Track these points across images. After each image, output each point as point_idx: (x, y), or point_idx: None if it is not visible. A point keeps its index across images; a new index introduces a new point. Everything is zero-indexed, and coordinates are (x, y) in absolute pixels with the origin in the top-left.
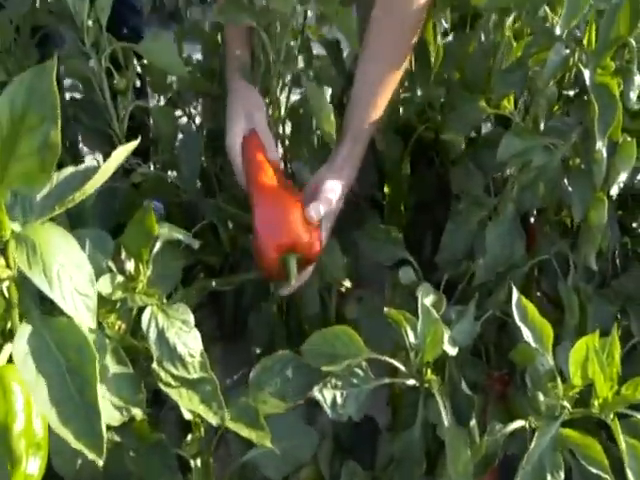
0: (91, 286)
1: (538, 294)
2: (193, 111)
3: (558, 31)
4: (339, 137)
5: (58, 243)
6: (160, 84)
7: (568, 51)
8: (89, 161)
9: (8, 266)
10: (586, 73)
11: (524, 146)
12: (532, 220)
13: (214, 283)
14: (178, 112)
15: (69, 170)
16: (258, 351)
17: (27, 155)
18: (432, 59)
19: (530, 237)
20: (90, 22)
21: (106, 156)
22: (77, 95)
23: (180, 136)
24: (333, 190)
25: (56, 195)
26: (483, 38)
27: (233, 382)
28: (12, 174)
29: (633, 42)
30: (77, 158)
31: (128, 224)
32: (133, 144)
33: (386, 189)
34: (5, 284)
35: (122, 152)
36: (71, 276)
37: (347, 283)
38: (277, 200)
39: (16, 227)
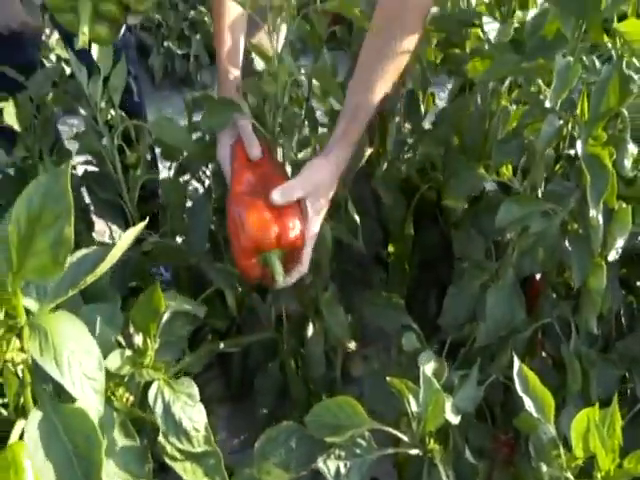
0: (99, 370)
1: (543, 354)
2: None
3: (548, 104)
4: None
5: (69, 330)
6: (170, 153)
7: (562, 121)
8: (100, 227)
9: (23, 349)
10: (578, 144)
11: (522, 213)
12: (537, 277)
13: (222, 345)
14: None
15: (81, 253)
16: (265, 411)
17: (42, 251)
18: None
19: (533, 298)
20: (103, 103)
21: (117, 224)
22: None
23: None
24: (313, 169)
25: (69, 278)
26: (480, 102)
27: (240, 442)
28: (28, 268)
29: (625, 112)
30: (89, 224)
31: (137, 301)
32: (142, 225)
33: (390, 248)
34: (20, 367)
35: (131, 234)
36: (80, 362)
37: (352, 345)
38: (238, 205)
39: (31, 304)
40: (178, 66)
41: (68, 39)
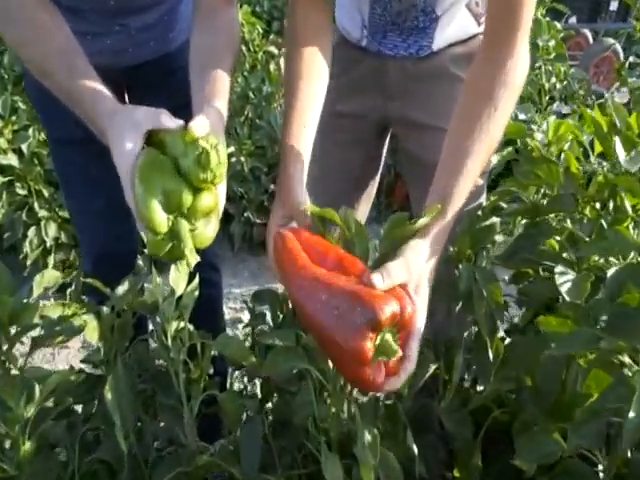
0: None
1: None
2: None
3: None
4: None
5: None
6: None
7: None
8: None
9: None
10: None
11: None
12: None
13: None
14: None
15: None
16: None
17: None
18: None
19: None
20: (175, 323)
21: (178, 425)
22: None
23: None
24: (413, 251)
25: None
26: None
27: None
28: None
29: None
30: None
31: None
32: None
33: (456, 472)
34: None
35: None
36: None
37: None
38: (330, 290)
39: None
40: (256, 233)
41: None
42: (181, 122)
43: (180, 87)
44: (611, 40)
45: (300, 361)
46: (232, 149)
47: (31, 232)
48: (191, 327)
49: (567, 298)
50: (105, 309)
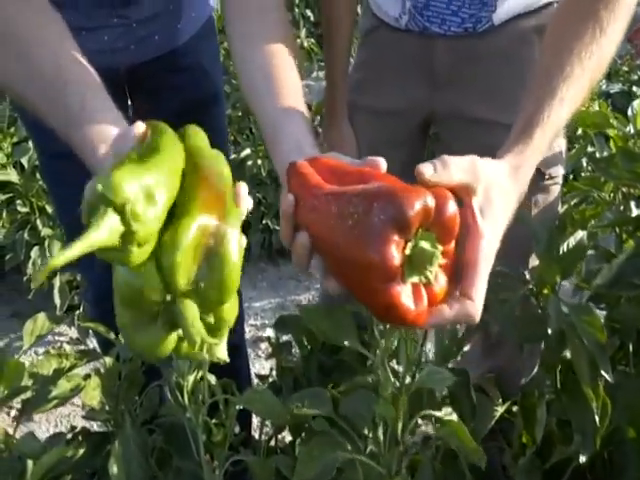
0: None
1: None
2: None
3: None
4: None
5: None
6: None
7: None
8: None
9: None
10: None
11: None
12: None
13: None
14: None
15: None
16: None
17: None
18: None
19: None
20: (191, 379)
21: None
22: None
23: None
24: (487, 164)
25: None
26: None
27: None
28: None
29: None
30: None
31: None
32: None
33: None
34: None
35: None
36: None
37: None
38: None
39: None
40: (275, 240)
41: None
42: None
43: (188, 89)
44: None
45: (340, 449)
46: (247, 151)
47: (34, 252)
48: (212, 379)
49: None
50: (108, 360)
